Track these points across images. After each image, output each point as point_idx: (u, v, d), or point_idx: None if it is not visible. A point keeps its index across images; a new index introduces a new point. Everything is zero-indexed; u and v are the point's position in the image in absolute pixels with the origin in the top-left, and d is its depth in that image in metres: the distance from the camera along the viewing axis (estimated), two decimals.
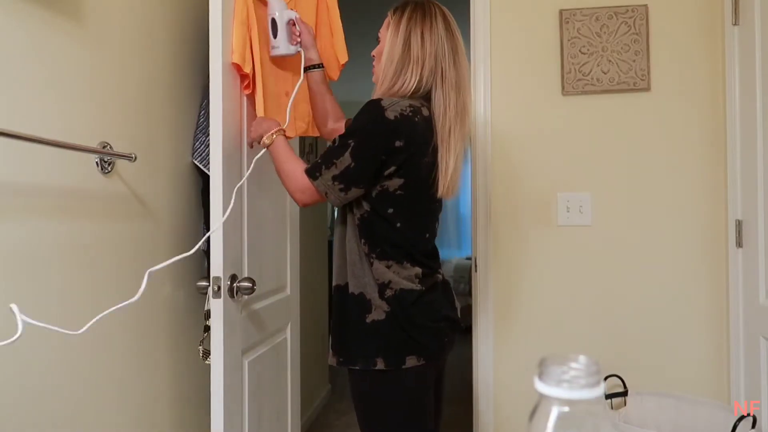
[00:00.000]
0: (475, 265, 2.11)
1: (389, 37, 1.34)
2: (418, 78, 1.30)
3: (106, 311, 1.00)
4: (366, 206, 1.30)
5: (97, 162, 1.26)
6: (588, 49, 2.01)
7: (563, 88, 2.03)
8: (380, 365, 1.26)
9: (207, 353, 1.59)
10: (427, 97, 1.33)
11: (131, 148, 1.39)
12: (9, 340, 0.74)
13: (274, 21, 1.53)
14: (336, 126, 1.62)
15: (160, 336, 1.51)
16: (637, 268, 2.01)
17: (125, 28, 1.38)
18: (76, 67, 1.20)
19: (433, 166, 1.31)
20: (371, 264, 1.29)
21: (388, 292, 1.28)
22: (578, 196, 2.03)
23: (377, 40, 1.43)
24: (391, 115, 1.24)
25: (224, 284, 1.40)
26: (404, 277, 1.30)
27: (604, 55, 2.01)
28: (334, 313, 1.35)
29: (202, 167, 1.64)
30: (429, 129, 1.30)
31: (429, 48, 1.30)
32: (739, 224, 1.85)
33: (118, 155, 1.27)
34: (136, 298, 0.99)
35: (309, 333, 3.12)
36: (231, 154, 1.46)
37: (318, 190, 1.29)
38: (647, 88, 1.99)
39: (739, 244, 1.86)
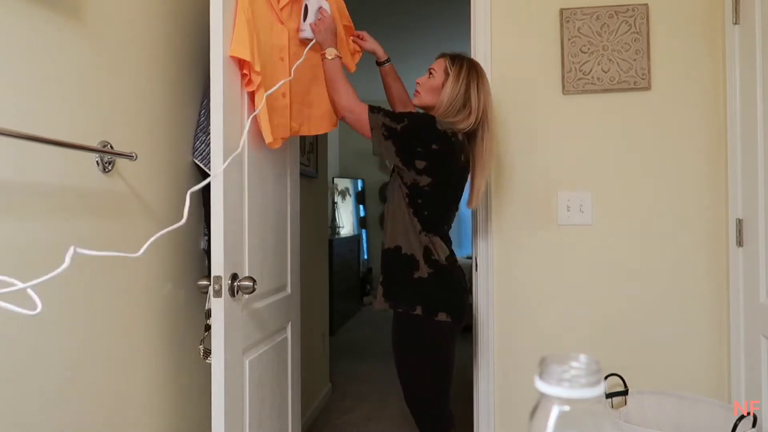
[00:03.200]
0: (476, 264, 2.11)
1: (450, 84, 1.70)
2: (472, 122, 1.70)
3: (161, 232, 1.02)
4: (406, 190, 1.66)
5: (97, 161, 1.26)
6: (588, 48, 2.01)
7: (564, 87, 2.03)
8: (418, 311, 1.62)
9: (208, 352, 1.59)
10: (466, 133, 1.71)
11: (132, 147, 1.39)
12: (33, 312, 0.74)
13: (306, 6, 1.71)
14: (403, 109, 1.97)
15: (161, 335, 1.51)
16: (638, 267, 2.00)
17: (125, 26, 1.38)
18: (77, 66, 1.20)
19: (461, 179, 1.73)
20: (418, 234, 1.66)
21: (432, 258, 1.65)
22: (579, 196, 2.03)
23: (429, 72, 1.76)
24: (439, 127, 1.64)
25: (225, 283, 1.40)
26: (440, 249, 1.67)
27: (605, 54, 2.01)
28: (386, 269, 1.71)
29: (202, 166, 1.64)
30: (461, 150, 1.68)
31: (482, 101, 1.70)
32: (739, 223, 1.85)
33: (118, 154, 1.27)
34: (182, 221, 0.98)
35: (309, 332, 3.12)
36: (232, 153, 1.46)
37: (369, 120, 1.64)
38: (648, 87, 1.99)
39: (739, 243, 1.86)
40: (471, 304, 2.17)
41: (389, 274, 1.69)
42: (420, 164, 1.62)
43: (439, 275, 1.65)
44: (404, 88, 2.00)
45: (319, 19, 1.72)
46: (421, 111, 1.73)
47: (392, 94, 1.99)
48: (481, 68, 1.75)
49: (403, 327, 1.67)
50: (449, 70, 1.72)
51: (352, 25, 1.94)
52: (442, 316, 1.63)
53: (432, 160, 1.62)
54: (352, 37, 1.92)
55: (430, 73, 1.75)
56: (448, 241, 1.72)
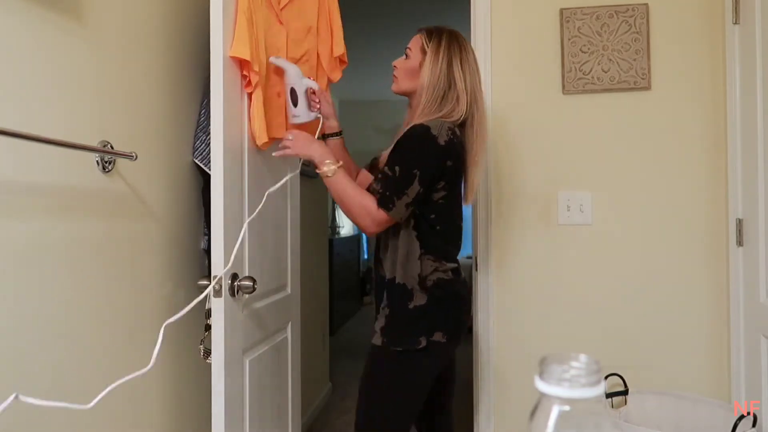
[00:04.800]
0: (476, 264, 2.11)
1: (429, 64, 1.48)
2: (464, 109, 1.48)
3: (115, 383, 1.00)
4: (416, 211, 1.47)
5: (97, 161, 1.26)
6: (588, 48, 2.01)
7: (564, 87, 2.03)
8: (423, 343, 1.42)
9: (208, 352, 1.59)
10: (459, 122, 1.50)
11: (132, 147, 1.39)
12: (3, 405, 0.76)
13: (293, 90, 1.59)
14: (362, 176, 1.71)
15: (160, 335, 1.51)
16: (638, 266, 2.00)
17: (126, 26, 1.38)
18: (77, 66, 1.20)
19: (462, 179, 1.54)
20: (419, 259, 1.46)
21: (428, 282, 1.45)
22: (579, 195, 2.03)
23: (405, 53, 1.56)
24: (442, 141, 1.41)
25: (225, 283, 1.40)
26: (441, 270, 1.48)
27: (605, 54, 2.01)
28: (382, 301, 1.50)
29: (203, 166, 1.64)
30: (462, 147, 1.49)
31: (469, 79, 1.48)
32: (739, 223, 1.85)
33: (118, 154, 1.27)
34: (150, 365, 0.99)
35: (309, 332, 3.12)
36: (232, 153, 1.46)
37: (394, 219, 1.42)
38: (648, 87, 1.99)
39: (739, 242, 1.86)
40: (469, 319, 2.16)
41: (383, 308, 1.50)
42: (439, 184, 1.46)
43: (438, 294, 1.46)
44: (353, 162, 1.78)
45: (295, 137, 1.50)
46: (416, 127, 1.44)
47: (349, 169, 1.72)
48: (464, 40, 1.51)
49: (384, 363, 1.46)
50: (426, 48, 1.49)
51: (343, 53, 1.84)
52: (437, 336, 1.44)
53: (450, 175, 1.46)
54: (312, 94, 1.66)
55: (407, 55, 1.55)
56: (457, 254, 1.56)
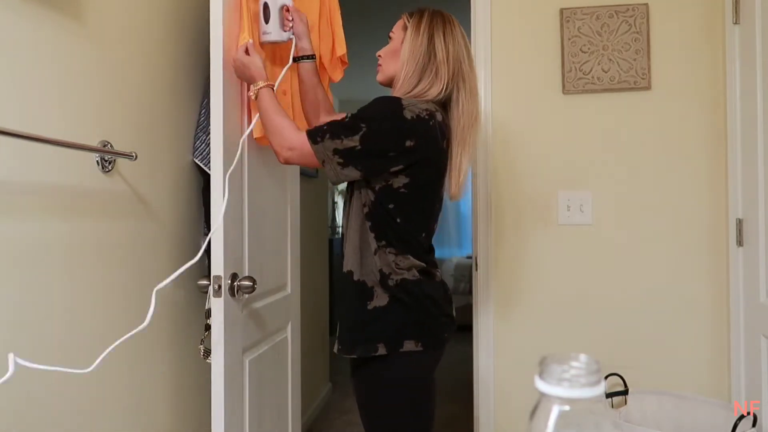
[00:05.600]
0: (476, 264, 2.11)
1: (409, 38, 1.35)
2: (444, 83, 1.33)
3: (115, 344, 1.00)
4: (371, 196, 1.31)
5: (97, 161, 1.26)
6: (588, 48, 2.01)
7: (564, 86, 2.03)
8: (381, 350, 1.27)
9: (208, 352, 1.59)
10: (441, 103, 1.36)
11: (132, 147, 1.39)
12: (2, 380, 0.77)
13: (266, 5, 1.50)
14: (328, 118, 1.56)
15: (161, 334, 1.51)
16: (638, 266, 2.00)
17: (126, 26, 1.38)
18: (77, 66, 1.20)
19: (443, 169, 1.36)
20: (376, 253, 1.31)
21: (390, 282, 1.30)
22: (579, 195, 2.03)
23: (389, 39, 1.45)
24: (408, 114, 1.26)
25: (225, 283, 1.40)
26: (405, 267, 1.31)
27: (605, 54, 2.01)
28: (339, 299, 1.37)
29: (202, 166, 1.64)
30: (442, 133, 1.32)
31: (452, 51, 1.34)
32: (739, 223, 1.85)
33: (118, 154, 1.27)
34: (145, 324, 0.99)
35: (309, 332, 3.12)
36: (232, 153, 1.46)
37: (315, 154, 1.27)
38: (648, 87, 1.99)
39: (739, 242, 1.86)
40: (471, 304, 2.16)
41: (341, 306, 1.38)
42: (395, 168, 1.28)
43: (403, 297, 1.29)
44: (327, 95, 1.66)
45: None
46: (387, 95, 1.33)
47: (308, 99, 1.61)
48: (450, 16, 1.39)
49: (363, 379, 1.33)
50: (407, 24, 1.38)
51: (345, 53, 1.79)
52: (408, 346, 1.27)
53: (408, 158, 1.27)
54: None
55: (390, 38, 1.44)
56: (426, 251, 1.38)
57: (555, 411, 0.41)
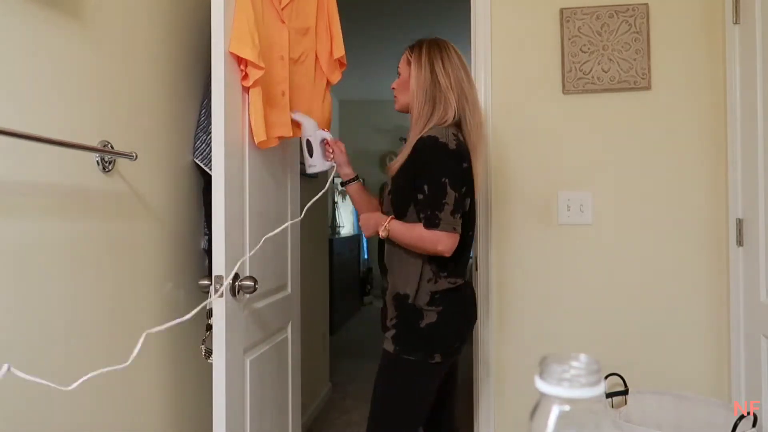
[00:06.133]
0: (476, 264, 2.12)
1: (414, 72, 1.55)
2: (455, 107, 1.51)
3: (91, 374, 1.02)
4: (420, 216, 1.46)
5: (97, 161, 1.26)
6: (588, 48, 2.01)
7: (564, 86, 2.03)
8: (437, 359, 1.48)
9: (209, 352, 1.60)
10: (456, 122, 1.53)
11: (132, 147, 1.39)
12: None
13: (309, 142, 1.72)
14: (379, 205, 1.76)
15: (162, 334, 1.51)
16: (638, 266, 2.01)
17: (126, 26, 1.38)
18: (77, 66, 1.20)
19: (474, 183, 1.54)
20: (422, 269, 1.49)
21: (436, 296, 1.48)
22: (579, 195, 2.03)
23: (398, 74, 1.64)
24: (452, 145, 1.45)
25: (226, 283, 1.40)
26: (449, 281, 1.51)
27: (605, 54, 2.01)
28: (391, 316, 1.53)
29: (203, 166, 1.65)
30: (467, 150, 1.51)
31: (453, 76, 1.52)
32: (739, 223, 1.85)
33: (118, 154, 1.27)
34: (126, 364, 0.99)
35: (310, 331, 3.12)
36: (233, 153, 1.46)
37: (447, 232, 1.42)
38: (648, 87, 1.99)
39: (739, 242, 1.86)
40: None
41: (394, 323, 1.53)
42: (462, 189, 1.47)
43: (445, 311, 1.49)
44: (372, 197, 1.83)
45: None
46: (423, 139, 1.48)
47: (368, 210, 1.76)
48: (444, 43, 1.57)
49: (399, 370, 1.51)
50: (410, 59, 1.58)
51: (343, 54, 1.85)
52: (449, 350, 1.51)
53: (467, 179, 1.49)
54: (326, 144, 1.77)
55: (399, 73, 1.65)
56: (461, 266, 1.56)
57: (555, 411, 0.41)
